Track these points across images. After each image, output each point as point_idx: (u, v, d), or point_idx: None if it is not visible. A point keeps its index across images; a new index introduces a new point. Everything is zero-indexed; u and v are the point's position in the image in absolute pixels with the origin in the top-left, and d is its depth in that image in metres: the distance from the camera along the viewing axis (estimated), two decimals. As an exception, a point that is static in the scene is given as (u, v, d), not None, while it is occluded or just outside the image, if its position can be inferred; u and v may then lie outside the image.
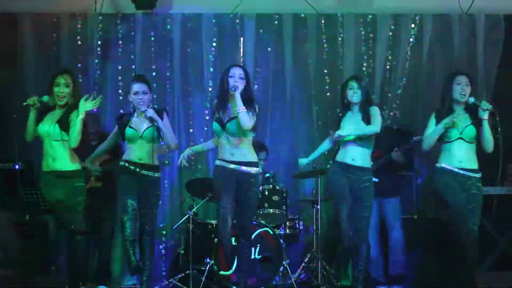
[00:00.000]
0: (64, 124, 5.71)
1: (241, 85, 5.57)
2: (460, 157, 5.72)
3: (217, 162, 5.71)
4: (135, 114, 5.90)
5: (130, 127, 5.83)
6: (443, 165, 5.74)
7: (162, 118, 5.81)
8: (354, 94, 5.86)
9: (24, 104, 5.68)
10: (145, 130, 5.79)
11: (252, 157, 5.69)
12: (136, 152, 5.81)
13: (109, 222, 6.82)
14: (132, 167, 5.79)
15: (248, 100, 5.59)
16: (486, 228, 6.70)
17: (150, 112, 5.73)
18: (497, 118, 5.74)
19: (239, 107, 5.50)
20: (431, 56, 7.62)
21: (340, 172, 5.83)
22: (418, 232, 6.94)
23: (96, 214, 6.83)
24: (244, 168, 5.61)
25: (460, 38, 7.60)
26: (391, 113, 7.57)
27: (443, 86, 5.89)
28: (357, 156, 5.81)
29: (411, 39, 7.61)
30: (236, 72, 5.64)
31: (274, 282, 6.55)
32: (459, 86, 5.77)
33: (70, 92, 5.76)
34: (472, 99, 5.73)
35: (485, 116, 5.67)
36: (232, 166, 5.61)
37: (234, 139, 5.62)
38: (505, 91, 7.50)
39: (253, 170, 5.64)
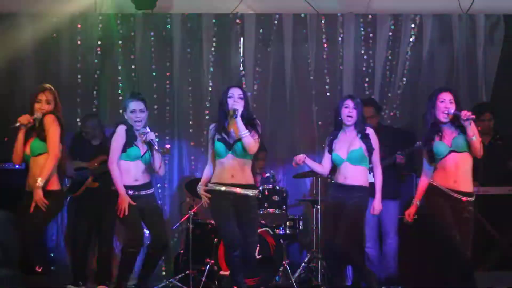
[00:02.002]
0: (41, 135, 5.54)
1: (240, 107, 5.43)
2: (455, 175, 5.42)
3: (212, 186, 5.50)
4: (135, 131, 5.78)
5: (135, 145, 5.71)
6: (436, 184, 5.45)
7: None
8: (350, 114, 5.72)
9: (16, 125, 5.51)
10: (145, 152, 5.72)
11: (251, 179, 5.57)
12: (132, 172, 5.70)
13: (108, 223, 6.82)
14: (131, 192, 5.66)
15: (248, 120, 5.48)
16: (486, 228, 6.70)
17: (151, 135, 5.66)
18: (478, 127, 5.48)
19: (242, 132, 5.39)
20: (431, 56, 7.62)
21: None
22: (417, 232, 6.93)
23: (94, 215, 6.84)
24: (243, 190, 5.47)
25: (460, 38, 7.60)
26: (391, 113, 7.57)
27: (426, 103, 5.60)
28: (349, 175, 5.72)
29: (411, 39, 7.61)
30: (235, 92, 5.51)
31: (274, 282, 6.55)
32: (442, 104, 5.45)
33: (50, 109, 5.60)
34: (452, 110, 5.40)
35: (469, 125, 5.31)
36: (231, 189, 5.45)
37: (239, 161, 5.49)
38: (505, 91, 7.50)
39: (252, 192, 5.53)
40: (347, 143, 5.73)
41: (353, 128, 5.75)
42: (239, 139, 5.43)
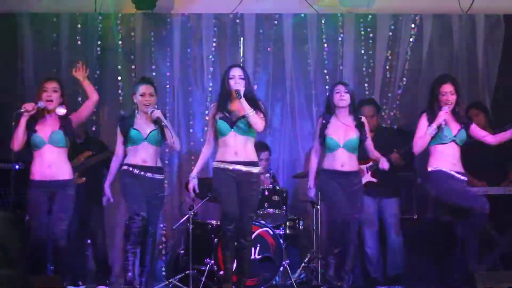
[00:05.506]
0: (68, 131, 5.76)
1: (242, 87, 5.60)
2: (453, 160, 5.79)
3: (216, 165, 5.68)
4: (137, 116, 5.91)
5: (134, 128, 5.84)
6: (439, 168, 5.77)
7: (166, 119, 5.87)
8: (342, 98, 5.91)
9: (21, 111, 5.70)
10: (150, 132, 5.81)
11: (255, 157, 5.73)
12: (140, 154, 5.83)
13: (97, 219, 6.87)
14: (137, 171, 5.82)
15: (251, 99, 5.64)
16: (486, 228, 6.69)
17: (158, 113, 5.76)
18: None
19: (248, 111, 5.55)
20: (431, 56, 7.62)
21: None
22: (417, 232, 6.94)
23: (83, 212, 6.83)
24: (246, 168, 5.64)
25: (460, 38, 7.60)
26: (391, 113, 7.57)
27: (430, 92, 5.95)
28: (346, 161, 5.88)
29: (411, 39, 7.61)
30: (236, 73, 5.67)
31: (274, 282, 6.55)
32: (444, 97, 5.78)
33: (58, 97, 5.80)
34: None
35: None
36: (234, 166, 5.62)
37: (242, 138, 5.63)
38: (505, 91, 7.50)
39: (255, 169, 5.69)
40: (342, 129, 5.89)
41: (348, 113, 5.93)
42: (242, 117, 5.58)
